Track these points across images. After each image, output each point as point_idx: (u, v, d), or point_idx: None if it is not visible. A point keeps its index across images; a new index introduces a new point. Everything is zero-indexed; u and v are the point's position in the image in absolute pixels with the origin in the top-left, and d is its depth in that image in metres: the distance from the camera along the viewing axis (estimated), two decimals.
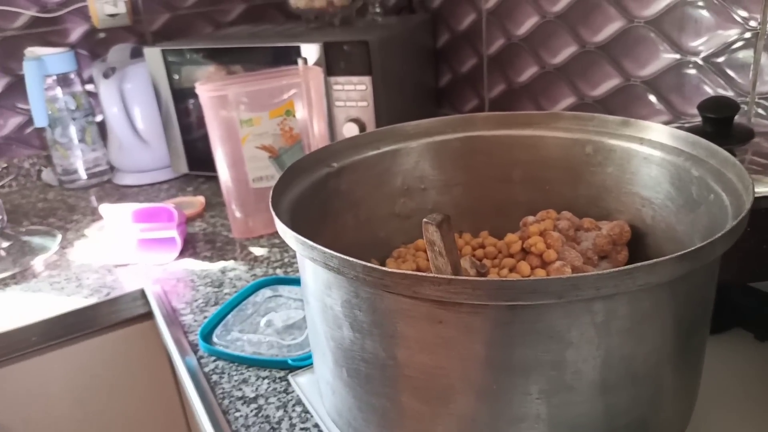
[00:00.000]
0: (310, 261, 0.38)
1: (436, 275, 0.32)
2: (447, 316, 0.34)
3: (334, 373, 0.43)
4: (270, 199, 0.44)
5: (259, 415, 0.55)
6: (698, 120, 0.59)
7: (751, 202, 0.37)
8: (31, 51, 1.11)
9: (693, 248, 0.32)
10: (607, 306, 0.34)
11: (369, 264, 0.34)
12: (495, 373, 0.36)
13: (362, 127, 0.96)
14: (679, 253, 0.32)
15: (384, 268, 0.33)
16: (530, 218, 0.55)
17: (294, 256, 0.84)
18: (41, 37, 1.20)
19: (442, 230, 0.34)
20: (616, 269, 0.31)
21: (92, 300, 0.79)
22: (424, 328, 0.35)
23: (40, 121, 1.08)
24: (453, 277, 0.31)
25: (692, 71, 0.78)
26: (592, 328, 0.34)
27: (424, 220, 0.35)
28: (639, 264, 0.31)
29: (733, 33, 0.72)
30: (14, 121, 1.22)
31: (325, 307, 0.41)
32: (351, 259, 0.35)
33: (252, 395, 0.58)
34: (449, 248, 0.34)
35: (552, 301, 0.32)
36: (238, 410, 0.56)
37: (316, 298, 0.42)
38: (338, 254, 0.35)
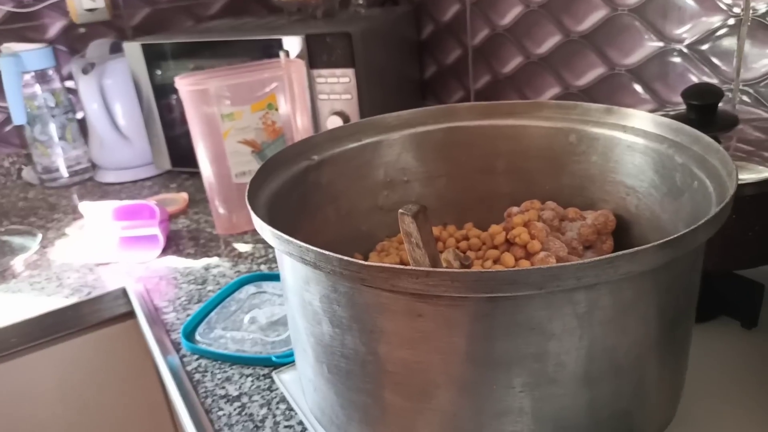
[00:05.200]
0: (287, 256, 0.37)
1: (413, 268, 0.31)
2: (426, 310, 0.33)
3: (315, 369, 0.43)
4: (246, 193, 0.43)
5: (243, 413, 0.54)
6: (683, 108, 0.58)
7: (734, 189, 0.36)
8: (8, 47, 1.08)
9: (675, 236, 0.32)
10: (589, 296, 0.33)
11: (346, 258, 0.33)
12: (477, 366, 0.35)
13: (346, 119, 0.95)
14: (661, 241, 0.31)
15: (361, 262, 0.32)
16: (514, 209, 0.54)
17: None
18: (18, 32, 1.17)
19: (419, 221, 0.33)
20: (597, 258, 0.30)
21: (73, 299, 0.77)
22: (404, 322, 0.35)
23: (18, 118, 1.07)
24: (431, 269, 0.31)
25: (677, 59, 0.77)
26: (574, 319, 0.33)
27: (400, 210, 0.34)
28: (620, 252, 0.31)
29: (716, 20, 0.72)
30: None
31: (304, 302, 0.40)
32: (327, 252, 0.34)
33: (235, 393, 0.57)
34: (426, 240, 0.34)
35: (532, 292, 0.31)
36: (221, 409, 0.55)
37: (295, 294, 0.41)
38: (314, 248, 0.34)
